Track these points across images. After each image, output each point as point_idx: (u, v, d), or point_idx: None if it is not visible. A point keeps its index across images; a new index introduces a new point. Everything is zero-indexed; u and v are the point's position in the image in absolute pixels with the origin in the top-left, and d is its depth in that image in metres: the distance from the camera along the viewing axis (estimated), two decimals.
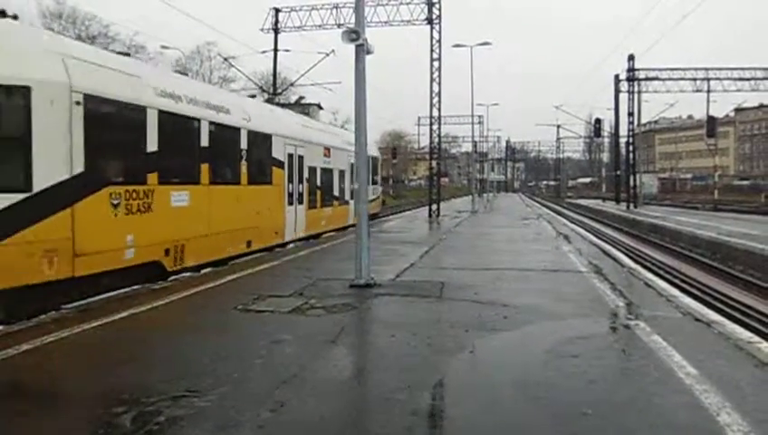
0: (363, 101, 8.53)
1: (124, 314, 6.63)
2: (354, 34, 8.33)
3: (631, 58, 34.94)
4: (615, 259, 11.91)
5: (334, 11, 24.01)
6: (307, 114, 18.06)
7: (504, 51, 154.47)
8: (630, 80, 35.15)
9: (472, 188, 44.49)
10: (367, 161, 13.21)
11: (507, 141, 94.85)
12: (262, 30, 25.52)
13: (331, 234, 17.10)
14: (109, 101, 8.14)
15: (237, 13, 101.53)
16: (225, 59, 38.34)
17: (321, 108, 20.85)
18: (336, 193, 18.01)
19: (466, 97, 35.98)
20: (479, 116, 51.61)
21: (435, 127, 24.96)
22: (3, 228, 6.67)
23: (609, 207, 40.19)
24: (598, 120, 44.85)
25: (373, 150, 23.86)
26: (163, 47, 43.40)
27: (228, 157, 11.74)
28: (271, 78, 33.48)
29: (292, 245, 14.18)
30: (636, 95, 35.42)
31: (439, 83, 23.64)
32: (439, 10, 23.04)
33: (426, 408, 3.94)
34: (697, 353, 5.03)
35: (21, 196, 6.89)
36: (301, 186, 15.30)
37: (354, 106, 8.60)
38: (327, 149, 17.38)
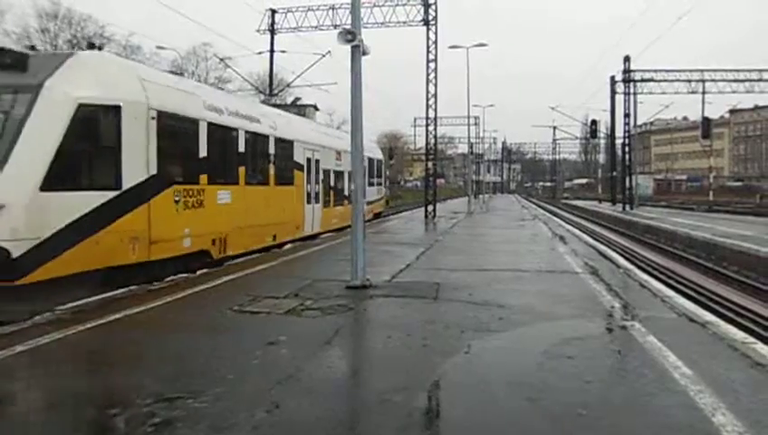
0: (359, 103, 8.53)
1: (119, 316, 6.62)
2: (350, 35, 8.33)
3: (627, 59, 35.01)
4: (611, 260, 11.94)
5: (331, 12, 24.02)
6: (303, 115, 18.23)
7: (500, 52, 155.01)
8: (626, 81, 35.22)
9: (468, 189, 44.54)
10: (371, 163, 16.15)
11: (503, 142, 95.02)
12: (258, 31, 25.50)
13: (330, 234, 17.13)
14: (173, 115, 9.75)
15: (233, 14, 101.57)
16: (222, 60, 38.29)
17: (317, 109, 20.90)
18: (347, 193, 18.73)
19: (463, 98, 35.97)
20: (475, 117, 51.80)
21: (431, 128, 24.97)
22: (101, 220, 8.20)
23: (605, 208, 40.30)
24: (594, 122, 44.92)
25: (377, 153, 25.47)
26: (159, 47, 43.35)
27: (259, 161, 13.34)
28: (267, 79, 33.47)
29: (289, 246, 14.27)
30: (631, 96, 35.51)
31: (435, 84, 23.66)
32: (435, 11, 23.08)
33: (421, 409, 3.94)
34: (692, 354, 5.05)
35: (113, 193, 8.44)
36: (317, 186, 16.81)
37: (350, 107, 8.60)
38: (338, 152, 18.53)
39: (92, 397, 4.19)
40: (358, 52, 8.43)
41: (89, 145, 8.35)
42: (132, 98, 8.85)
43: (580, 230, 22.89)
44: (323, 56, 26.30)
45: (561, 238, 16.24)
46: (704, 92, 34.71)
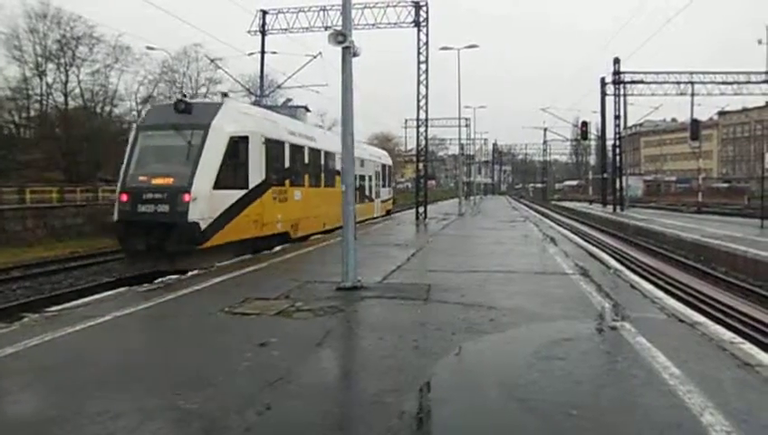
0: (350, 104, 8.53)
1: (108, 317, 6.59)
2: (341, 37, 8.33)
3: (617, 61, 35.24)
4: (601, 261, 11.99)
5: (321, 13, 23.95)
6: (294, 116, 18.59)
7: (491, 53, 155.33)
8: (616, 83, 35.43)
9: (459, 190, 44.63)
10: (384, 168, 22.01)
11: (494, 144, 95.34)
12: (249, 32, 25.39)
13: (318, 236, 17.20)
14: (272, 140, 14.37)
15: (224, 14, 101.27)
16: (212, 60, 38.19)
17: (308, 110, 20.98)
18: (366, 193, 24.04)
19: (454, 99, 36.08)
20: (466, 119, 51.92)
21: (422, 129, 25.00)
22: (239, 207, 12.68)
23: (596, 209, 40.52)
24: (584, 123, 45.09)
25: (388, 160, 29.66)
26: (149, 48, 43.14)
27: (315, 169, 17.86)
28: (258, 80, 33.35)
29: (286, 245, 14.58)
30: (621, 98, 35.73)
31: (426, 86, 23.69)
32: (426, 13, 23.11)
33: (412, 410, 3.94)
34: (681, 354, 5.08)
35: (244, 191, 12.93)
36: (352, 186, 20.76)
37: (341, 108, 8.60)
38: (361, 160, 22.72)
39: (82, 400, 4.15)
40: (348, 53, 8.43)
41: (233, 161, 12.66)
42: (253, 130, 13.52)
43: (571, 231, 22.98)
44: (314, 57, 26.22)
45: (552, 240, 16.30)
46: (692, 94, 34.95)
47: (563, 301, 7.58)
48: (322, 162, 18.31)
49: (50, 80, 44.94)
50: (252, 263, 11.51)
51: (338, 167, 17.36)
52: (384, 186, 27.45)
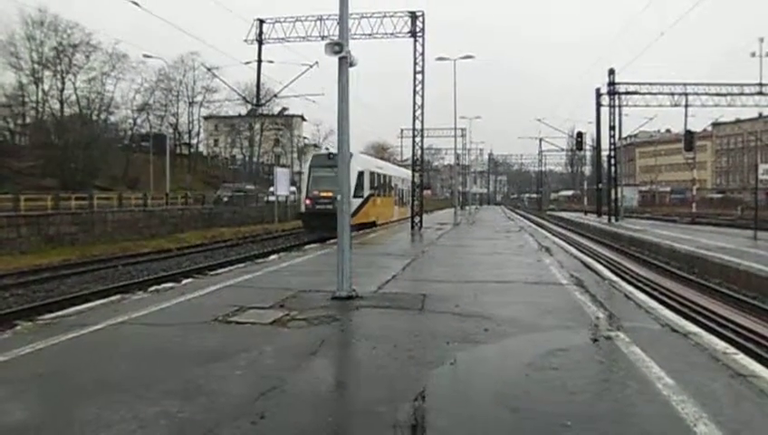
0: (346, 113, 8.55)
1: (101, 326, 6.56)
2: (338, 47, 8.37)
3: (611, 72, 35.48)
4: (596, 272, 12.01)
5: (318, 23, 24.02)
6: (290, 126, 19.21)
7: (488, 64, 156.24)
8: (611, 93, 35.66)
9: (454, 200, 44.70)
10: (404, 181, 34.32)
11: (490, 154, 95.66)
12: (245, 41, 25.43)
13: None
14: (371, 171, 27.18)
15: (221, 23, 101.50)
16: (209, 69, 38.35)
17: (304, 119, 21.52)
18: (405, 200, 34.41)
19: (450, 109, 36.49)
20: (462, 129, 52.06)
21: (417, 139, 25.07)
22: (361, 207, 24.60)
23: (591, 219, 40.58)
24: (580, 134, 45.33)
25: (409, 174, 36.17)
26: (146, 56, 43.29)
27: (383, 186, 29.79)
28: (254, 89, 33.51)
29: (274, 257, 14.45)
30: (616, 109, 35.93)
31: (422, 96, 23.76)
32: (422, 23, 23.21)
33: (406, 420, 3.93)
34: (675, 364, 5.09)
35: (362, 199, 24.98)
36: (395, 197, 33.45)
37: (337, 118, 8.62)
38: (402, 178, 34.82)
39: (73, 409, 4.13)
40: (345, 63, 8.47)
41: (358, 183, 23.75)
42: (365, 168, 26.10)
43: (566, 242, 23.03)
44: (311, 67, 26.40)
45: (547, 250, 16.33)
46: (686, 106, 35.22)
47: (558, 311, 7.59)
48: (384, 182, 30.34)
49: (46, 87, 45.05)
50: (247, 271, 11.49)
51: (392, 184, 32.40)
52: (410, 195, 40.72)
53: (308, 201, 24.69)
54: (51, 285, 15.07)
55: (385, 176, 30.31)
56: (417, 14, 23.24)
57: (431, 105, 26.30)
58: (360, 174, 24.90)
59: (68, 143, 40.97)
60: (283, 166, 57.92)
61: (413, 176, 27.36)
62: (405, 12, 23.34)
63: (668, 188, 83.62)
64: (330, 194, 22.49)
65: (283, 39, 24.84)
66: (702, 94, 34.61)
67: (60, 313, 7.59)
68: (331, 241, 17.75)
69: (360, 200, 24.56)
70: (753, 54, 34.29)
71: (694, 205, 48.05)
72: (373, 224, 26.82)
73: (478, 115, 59.36)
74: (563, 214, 56.04)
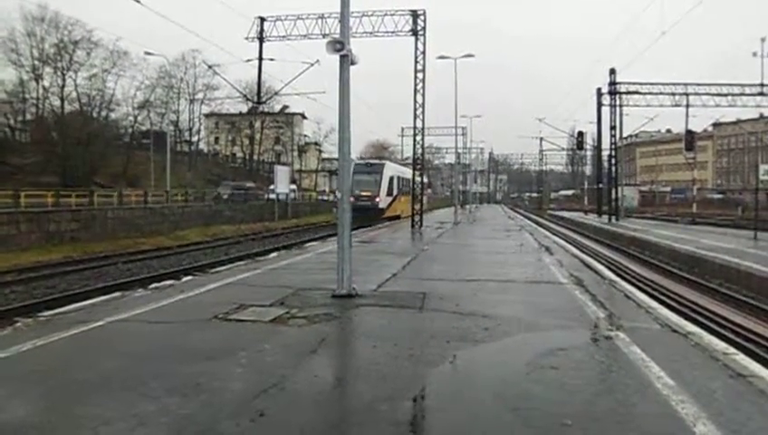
0: (347, 112, 8.55)
1: (102, 323, 6.57)
2: (339, 45, 8.36)
3: (612, 72, 35.42)
4: (596, 271, 12.02)
5: (319, 21, 24.02)
6: (291, 124, 18.87)
7: (489, 63, 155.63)
8: (612, 93, 35.60)
9: (455, 199, 44.79)
10: (410, 180, 32.10)
11: (490, 153, 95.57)
12: (247, 38, 25.42)
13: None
14: (398, 176, 37.69)
15: (222, 21, 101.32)
16: (210, 66, 38.29)
17: (305, 117, 21.27)
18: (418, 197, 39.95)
19: (450, 108, 36.67)
20: (463, 127, 52.03)
21: (418, 138, 25.08)
22: (390, 203, 35.45)
23: (591, 219, 40.57)
24: (580, 133, 45.28)
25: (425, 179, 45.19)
26: (147, 53, 43.22)
27: (404, 186, 36.35)
28: (255, 86, 33.47)
29: (283, 252, 14.42)
30: (617, 108, 35.89)
31: (423, 95, 23.77)
32: (424, 22, 23.20)
33: (406, 418, 3.94)
34: (675, 364, 5.10)
35: (392, 197, 35.81)
36: (410, 194, 35.03)
37: (338, 116, 8.61)
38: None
39: (73, 406, 4.14)
40: (346, 61, 8.46)
41: (389, 186, 35.30)
42: (394, 174, 37.03)
43: (566, 241, 23.03)
44: (312, 65, 26.40)
45: (547, 249, 16.33)
46: (687, 106, 35.17)
47: (558, 310, 7.59)
48: (406, 184, 35.29)
49: (46, 83, 44.98)
50: (247, 269, 11.49)
51: (410, 185, 31.64)
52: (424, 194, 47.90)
53: (351, 198, 32.64)
54: (51, 282, 15.08)
55: (406, 179, 35.98)
56: (419, 12, 23.23)
57: (432, 104, 26.20)
58: (391, 178, 35.46)
59: (68, 140, 40.96)
60: (284, 164, 57.96)
61: (413, 174, 27.52)
62: (406, 10, 23.34)
63: (669, 188, 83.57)
64: (368, 193, 32.78)
65: (284, 37, 24.83)
66: (703, 94, 34.55)
67: (60, 310, 7.60)
68: (333, 238, 17.81)
69: (390, 198, 35.16)
70: (755, 54, 34.24)
71: (694, 205, 48.03)
72: (398, 217, 34.62)
73: (479, 114, 59.19)
74: (564, 213, 55.99)
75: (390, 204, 34.98)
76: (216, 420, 3.82)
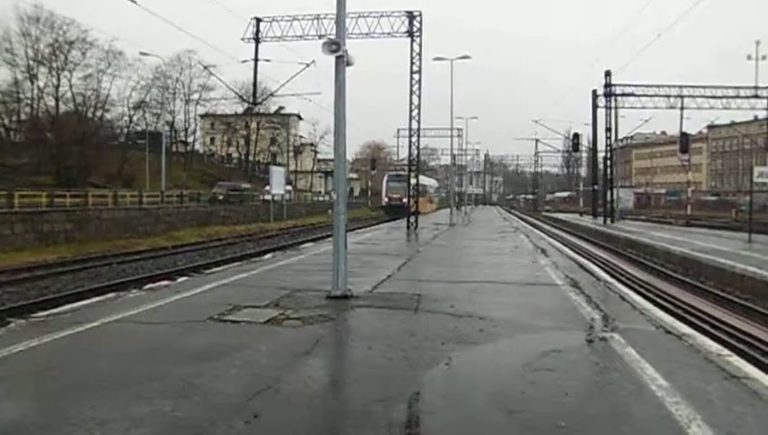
0: (343, 113, 8.54)
1: (96, 324, 6.54)
2: (335, 46, 8.35)
3: (608, 74, 35.54)
4: (591, 273, 12.05)
5: (315, 22, 24.06)
6: (286, 125, 18.71)
7: (485, 64, 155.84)
8: (607, 95, 35.73)
9: (450, 200, 45.09)
10: (432, 184, 67.33)
11: (486, 155, 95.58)
12: (243, 39, 25.46)
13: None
14: (422, 184, 41.52)
15: (218, 22, 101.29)
16: (206, 67, 38.27)
17: (300, 118, 21.18)
18: (431, 198, 55.75)
19: (446, 109, 36.33)
20: (458, 129, 52.03)
21: (414, 139, 25.12)
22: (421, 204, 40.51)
23: (587, 221, 40.67)
24: (576, 135, 45.48)
25: (433, 181, 64.52)
26: (142, 54, 43.13)
27: (425, 191, 50.74)
28: (251, 87, 33.44)
29: (277, 253, 14.38)
30: (612, 110, 36.02)
31: (419, 96, 23.85)
32: (420, 23, 23.26)
33: (401, 420, 3.93)
34: (669, 366, 5.11)
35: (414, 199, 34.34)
36: (428, 196, 52.04)
37: (334, 117, 8.61)
38: (431, 185, 58.92)
39: (64, 409, 4.12)
40: (342, 62, 8.45)
41: (414, 190, 30.35)
42: (428, 183, 58.73)
43: (562, 243, 23.08)
44: (307, 66, 26.44)
45: (543, 251, 16.36)
46: (682, 108, 35.38)
47: (553, 312, 7.60)
48: (424, 188, 43.28)
49: (41, 83, 44.77)
50: (242, 270, 11.47)
51: (427, 189, 53.73)
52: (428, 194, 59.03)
53: (386, 199, 53.17)
54: (45, 283, 15.01)
55: (423, 185, 44.61)
56: (415, 13, 23.30)
57: (428, 106, 26.27)
58: (415, 185, 40.53)
59: (63, 140, 40.76)
60: (280, 165, 57.89)
61: (408, 176, 27.62)
62: (402, 12, 23.41)
63: (664, 190, 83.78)
64: (398, 196, 46.64)
65: (280, 38, 24.88)
66: (697, 97, 34.75)
67: (54, 310, 7.57)
68: (328, 239, 17.85)
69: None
70: (749, 57, 34.44)
71: (689, 207, 48.19)
72: (418, 212, 39.95)
73: (475, 115, 59.06)
74: (559, 215, 56.09)
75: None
76: (211, 421, 3.81)
